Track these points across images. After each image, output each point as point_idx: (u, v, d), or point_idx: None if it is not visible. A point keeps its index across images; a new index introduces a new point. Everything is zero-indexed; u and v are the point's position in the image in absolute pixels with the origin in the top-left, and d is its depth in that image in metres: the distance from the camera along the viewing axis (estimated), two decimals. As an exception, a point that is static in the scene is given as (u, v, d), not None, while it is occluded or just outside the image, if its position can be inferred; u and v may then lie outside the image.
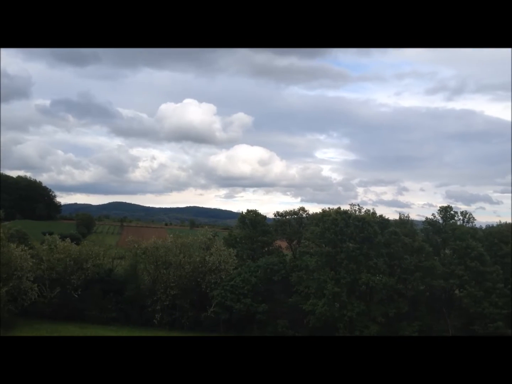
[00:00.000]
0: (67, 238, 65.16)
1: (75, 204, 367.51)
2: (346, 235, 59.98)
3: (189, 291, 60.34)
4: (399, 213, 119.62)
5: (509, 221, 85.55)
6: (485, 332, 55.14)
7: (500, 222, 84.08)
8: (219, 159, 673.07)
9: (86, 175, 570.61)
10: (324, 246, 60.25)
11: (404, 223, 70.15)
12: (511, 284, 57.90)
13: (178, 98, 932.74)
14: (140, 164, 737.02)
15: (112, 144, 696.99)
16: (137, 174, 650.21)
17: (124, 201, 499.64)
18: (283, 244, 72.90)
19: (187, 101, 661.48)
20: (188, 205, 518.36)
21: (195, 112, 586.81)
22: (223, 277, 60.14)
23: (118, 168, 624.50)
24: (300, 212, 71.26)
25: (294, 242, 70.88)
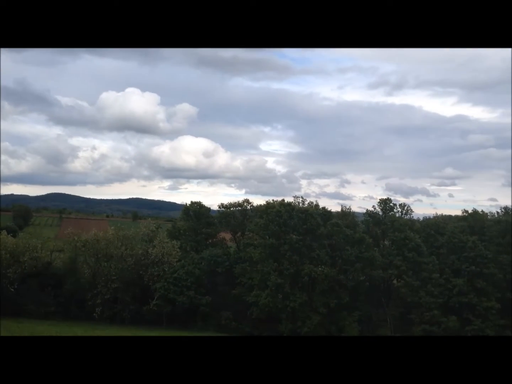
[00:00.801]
0: (3, 231, 62.84)
1: (12, 195, 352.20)
2: (289, 227, 60.60)
3: (131, 284, 59.23)
4: (341, 205, 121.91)
5: (445, 213, 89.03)
6: (425, 319, 57.33)
7: (437, 214, 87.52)
8: (163, 150, 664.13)
9: (23, 165, 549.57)
10: (268, 238, 60.62)
11: (346, 215, 71.68)
12: (446, 274, 60.35)
13: (120, 87, 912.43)
14: (80, 154, 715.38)
15: (51, 133, 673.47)
16: (77, 165, 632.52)
17: (63, 192, 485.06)
18: (227, 236, 72.85)
19: (129, 90, 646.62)
20: (131, 197, 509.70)
21: (138, 102, 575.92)
22: (166, 269, 59.41)
23: (56, 158, 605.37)
24: (245, 204, 71.37)
25: (238, 234, 70.93)
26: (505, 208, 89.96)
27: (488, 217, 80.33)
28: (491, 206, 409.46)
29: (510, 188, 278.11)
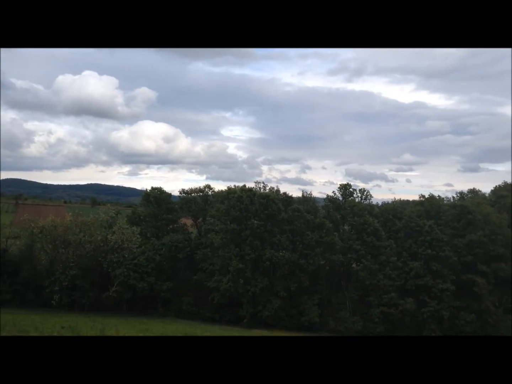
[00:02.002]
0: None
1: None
2: (250, 212, 60.70)
3: (90, 271, 58.25)
4: (302, 191, 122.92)
5: (403, 198, 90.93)
6: (383, 302, 58.65)
7: (395, 199, 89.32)
8: (122, 135, 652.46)
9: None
10: (229, 223, 60.62)
11: (306, 200, 72.25)
12: (403, 258, 61.79)
13: (76, 70, 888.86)
14: (36, 139, 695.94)
15: (5, 117, 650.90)
16: (33, 150, 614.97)
17: (19, 177, 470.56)
18: (188, 222, 72.43)
19: (86, 73, 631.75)
20: (89, 182, 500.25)
21: (95, 85, 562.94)
22: (126, 255, 58.65)
23: (11, 143, 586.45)
24: (206, 189, 70.99)
25: (200, 220, 70.63)
26: (461, 193, 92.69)
27: (444, 201, 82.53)
28: (447, 191, 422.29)
29: (465, 173, 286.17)
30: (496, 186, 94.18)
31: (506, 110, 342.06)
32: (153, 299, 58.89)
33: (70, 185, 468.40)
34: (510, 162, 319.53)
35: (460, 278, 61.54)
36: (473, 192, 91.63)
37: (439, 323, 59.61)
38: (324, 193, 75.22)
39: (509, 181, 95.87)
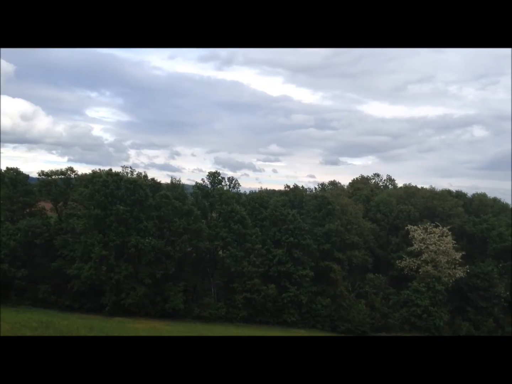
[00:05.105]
0: None
1: None
2: (116, 197, 58.76)
3: None
4: (171, 177, 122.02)
5: (269, 187, 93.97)
6: (247, 288, 60.13)
7: (261, 188, 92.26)
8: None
9: None
10: (93, 208, 58.17)
11: (175, 187, 71.78)
12: (268, 245, 63.93)
13: None
14: None
15: None
16: None
17: None
18: (48, 205, 67.97)
19: None
20: None
21: None
22: (-25, 241, 53.60)
23: None
24: (68, 172, 66.99)
25: (60, 204, 66.61)
26: (322, 184, 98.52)
27: (307, 192, 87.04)
28: (309, 182, 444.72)
29: (326, 166, 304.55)
30: (354, 179, 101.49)
31: (364, 108, 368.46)
32: (6, 287, 54.52)
33: None
34: (367, 156, 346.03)
35: (319, 264, 65.33)
36: (333, 184, 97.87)
37: (298, 308, 62.80)
38: (193, 180, 75.22)
39: (365, 174, 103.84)
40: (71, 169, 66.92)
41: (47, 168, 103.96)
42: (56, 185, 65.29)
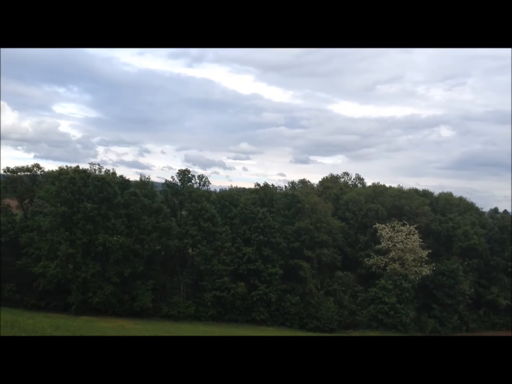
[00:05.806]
0: None
1: None
2: (84, 195, 57.95)
3: None
4: (140, 175, 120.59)
5: (239, 185, 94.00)
6: (216, 286, 59.99)
7: (232, 186, 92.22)
8: None
9: None
10: (59, 205, 57.14)
11: (144, 184, 71.10)
12: (237, 243, 63.94)
13: None
14: None
15: None
16: None
17: None
18: (13, 203, 66.54)
19: None
20: None
21: None
22: None
23: None
24: (34, 169, 65.67)
25: (26, 201, 65.29)
26: (292, 182, 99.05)
27: (277, 190, 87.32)
28: (280, 180, 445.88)
29: (296, 164, 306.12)
30: (324, 177, 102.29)
31: (334, 107, 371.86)
32: (-32, 287, 53.26)
33: None
34: (336, 155, 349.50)
35: (288, 262, 65.63)
36: (303, 182, 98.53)
37: (267, 306, 63.01)
38: (163, 178, 74.89)
39: (334, 173, 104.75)
40: (37, 165, 65.62)
41: (12, 164, 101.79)
42: (22, 182, 63.96)
